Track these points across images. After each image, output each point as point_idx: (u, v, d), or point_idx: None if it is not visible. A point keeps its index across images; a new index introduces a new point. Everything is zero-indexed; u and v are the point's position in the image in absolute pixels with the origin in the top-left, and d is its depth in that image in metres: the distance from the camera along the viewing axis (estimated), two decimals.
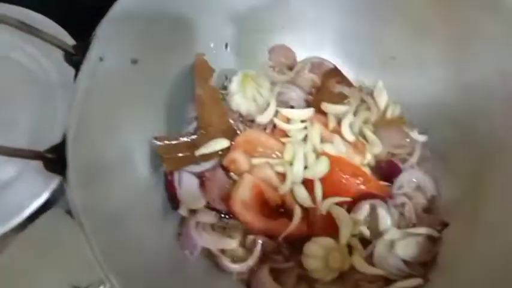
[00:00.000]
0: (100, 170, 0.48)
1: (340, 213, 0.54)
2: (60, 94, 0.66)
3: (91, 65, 0.49)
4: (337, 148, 0.57)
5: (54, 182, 0.60)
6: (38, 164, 0.60)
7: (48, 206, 0.61)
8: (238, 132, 0.60)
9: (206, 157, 0.57)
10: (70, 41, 0.52)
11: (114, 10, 0.49)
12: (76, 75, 0.49)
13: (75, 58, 0.49)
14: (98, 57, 0.50)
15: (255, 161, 0.56)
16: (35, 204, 0.58)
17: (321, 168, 0.55)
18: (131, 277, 0.43)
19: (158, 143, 0.55)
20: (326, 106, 0.60)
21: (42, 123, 0.63)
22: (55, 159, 0.44)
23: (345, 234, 0.53)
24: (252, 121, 0.61)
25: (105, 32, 0.50)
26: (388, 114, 0.63)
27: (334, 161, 0.56)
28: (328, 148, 0.57)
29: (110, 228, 0.45)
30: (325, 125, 0.60)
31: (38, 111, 0.65)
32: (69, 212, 0.61)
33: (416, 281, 0.52)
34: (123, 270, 0.42)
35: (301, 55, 0.68)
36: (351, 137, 0.58)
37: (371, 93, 0.64)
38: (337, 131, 0.59)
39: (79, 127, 0.46)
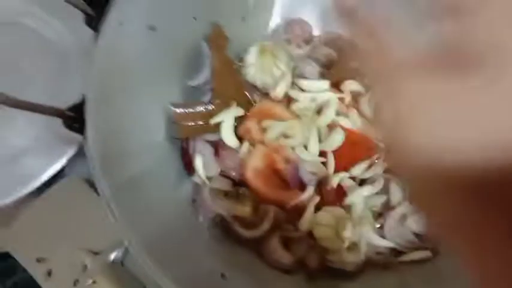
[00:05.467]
0: (118, 131, 0.49)
1: (352, 186, 0.54)
2: (75, 59, 0.66)
3: (111, 28, 0.50)
4: (352, 122, 0.57)
5: (71, 149, 0.61)
6: (54, 131, 0.62)
7: (65, 174, 0.62)
8: (253, 104, 0.60)
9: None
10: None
11: None
12: (96, 38, 0.49)
13: (95, 21, 0.50)
14: (117, 21, 0.50)
15: None
16: (51, 170, 0.59)
17: (335, 140, 0.55)
18: (150, 239, 0.44)
19: (175, 109, 0.56)
20: (345, 83, 0.60)
21: (58, 89, 0.64)
22: (75, 118, 0.45)
23: (356, 207, 0.54)
24: (267, 94, 0.61)
25: None
26: None
27: (349, 134, 0.56)
28: (344, 121, 0.57)
29: (128, 190, 0.46)
30: (340, 99, 0.60)
31: (53, 76, 0.65)
32: (86, 180, 0.63)
33: (425, 253, 0.52)
34: (142, 232, 0.43)
35: (318, 29, 0.67)
36: (369, 112, 0.58)
37: None
38: (352, 105, 0.59)
39: (98, 88, 0.47)
